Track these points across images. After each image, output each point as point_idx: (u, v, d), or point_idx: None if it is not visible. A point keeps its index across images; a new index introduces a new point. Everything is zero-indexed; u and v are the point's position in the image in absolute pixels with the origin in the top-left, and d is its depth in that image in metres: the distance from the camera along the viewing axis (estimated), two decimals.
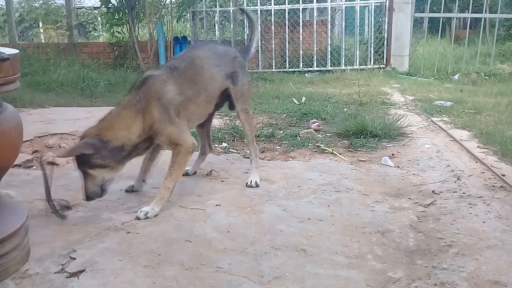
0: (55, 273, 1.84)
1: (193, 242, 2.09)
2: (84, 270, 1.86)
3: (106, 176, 2.33)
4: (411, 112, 4.97)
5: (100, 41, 11.30)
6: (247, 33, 8.89)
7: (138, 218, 2.33)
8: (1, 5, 11.03)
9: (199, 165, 3.06)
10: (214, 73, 2.64)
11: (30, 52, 8.16)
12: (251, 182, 2.80)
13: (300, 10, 8.57)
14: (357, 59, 8.55)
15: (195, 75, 2.55)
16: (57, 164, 3.21)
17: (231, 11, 8.84)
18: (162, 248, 2.03)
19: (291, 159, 3.38)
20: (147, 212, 2.35)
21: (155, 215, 2.36)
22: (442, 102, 5.48)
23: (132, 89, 2.48)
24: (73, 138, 3.80)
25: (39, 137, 3.81)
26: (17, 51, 1.86)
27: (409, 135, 3.95)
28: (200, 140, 3.06)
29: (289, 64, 8.60)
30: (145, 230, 2.20)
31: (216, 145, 3.67)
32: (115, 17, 8.36)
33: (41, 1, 11.41)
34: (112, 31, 8.66)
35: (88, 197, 2.35)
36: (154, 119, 2.37)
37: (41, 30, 12.20)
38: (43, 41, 11.24)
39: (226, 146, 3.68)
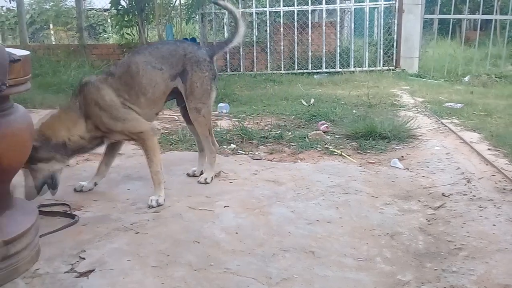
0: (64, 272, 1.85)
1: (202, 243, 2.10)
2: (94, 270, 1.87)
3: (52, 168, 2.47)
4: (421, 114, 4.94)
5: (110, 42, 11.38)
6: (256, 34, 8.90)
7: (152, 207, 2.48)
8: (13, 7, 11.13)
9: (202, 164, 3.05)
10: (154, 77, 2.66)
11: (40, 54, 8.23)
12: (202, 179, 2.88)
13: (309, 11, 8.55)
14: (366, 60, 8.52)
15: (130, 81, 2.62)
16: (68, 165, 3.23)
17: (240, 12, 8.86)
18: (170, 249, 2.03)
19: (299, 161, 3.37)
20: (157, 199, 2.52)
21: (162, 203, 2.52)
22: (452, 104, 5.44)
23: (72, 95, 2.64)
24: None
25: None
26: (28, 52, 1.88)
27: (418, 137, 3.92)
28: (195, 138, 3.10)
29: (298, 65, 8.59)
30: (154, 231, 2.21)
31: (225, 146, 3.68)
32: (125, 19, 8.40)
33: (51, 3, 11.51)
34: (121, 32, 8.71)
35: (32, 194, 2.44)
36: (97, 122, 2.53)
37: (52, 32, 12.31)
38: (53, 43, 11.34)
39: (234, 148, 3.69)
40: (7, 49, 1.71)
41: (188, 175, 3.03)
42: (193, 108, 2.79)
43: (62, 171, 2.58)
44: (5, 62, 1.64)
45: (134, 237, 2.15)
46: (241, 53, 8.67)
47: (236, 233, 2.20)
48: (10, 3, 10.70)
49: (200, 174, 3.00)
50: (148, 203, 2.50)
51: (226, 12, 8.83)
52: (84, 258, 1.95)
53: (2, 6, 12.01)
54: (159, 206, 2.50)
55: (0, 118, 1.73)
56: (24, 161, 1.94)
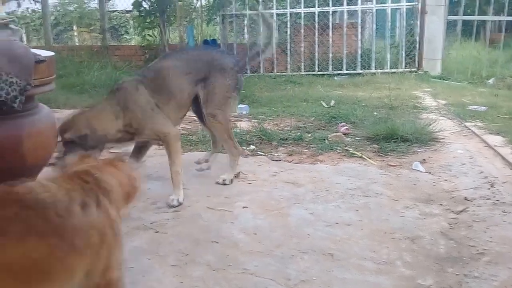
0: None
1: (220, 243, 2.10)
2: None
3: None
4: (444, 116, 4.86)
5: (132, 44, 11.51)
6: (276, 36, 8.87)
7: (172, 206, 2.53)
8: (38, 9, 11.37)
9: (214, 159, 3.20)
10: (181, 82, 2.77)
11: (64, 55, 8.36)
12: (220, 180, 2.89)
13: (330, 13, 8.51)
14: (388, 62, 8.42)
15: (161, 84, 2.72)
16: None
17: (260, 14, 8.86)
18: (189, 248, 2.05)
19: (319, 163, 3.36)
20: (177, 199, 2.57)
21: (180, 203, 2.56)
22: (475, 106, 5.33)
23: (110, 93, 2.72)
24: None
25: None
26: (53, 53, 1.92)
27: (441, 140, 3.86)
28: (209, 134, 3.23)
29: (318, 67, 8.54)
30: (174, 230, 2.23)
31: (244, 147, 3.68)
32: (147, 21, 8.50)
33: (75, 5, 11.72)
34: (143, 34, 8.80)
35: None
36: (132, 120, 2.62)
37: (75, 33, 12.53)
38: (77, 44, 11.54)
39: (254, 149, 3.69)
40: (32, 50, 1.74)
41: (195, 161, 3.19)
42: (208, 113, 2.86)
43: None
44: (31, 63, 1.68)
45: (154, 236, 2.18)
46: (261, 55, 8.66)
47: (255, 234, 2.20)
48: (35, 4, 10.96)
49: (205, 162, 3.13)
50: (168, 203, 2.54)
51: (247, 14, 8.87)
52: None
53: (27, 8, 12.28)
54: (179, 205, 2.55)
55: (25, 117, 1.77)
56: (48, 159, 1.98)
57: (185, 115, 3.00)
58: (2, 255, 1.10)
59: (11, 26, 1.78)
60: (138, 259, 1.95)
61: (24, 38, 10.98)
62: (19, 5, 11.72)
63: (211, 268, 1.88)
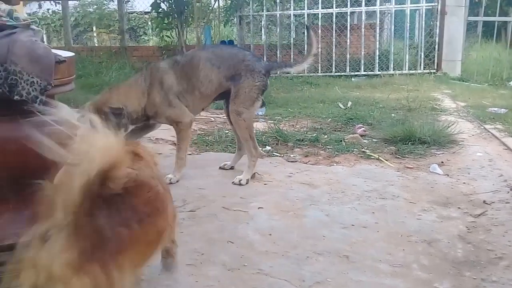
0: None
1: (235, 244, 2.11)
2: None
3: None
4: (463, 118, 4.79)
5: (150, 44, 11.62)
6: (293, 36, 8.87)
7: (171, 183, 2.79)
8: (58, 10, 11.55)
9: (236, 161, 3.21)
10: (210, 73, 2.87)
11: (84, 55, 8.49)
12: (237, 181, 2.91)
13: (348, 13, 8.47)
14: (406, 63, 8.33)
15: (190, 72, 2.85)
16: None
17: (278, 15, 8.86)
18: (205, 248, 2.06)
19: (335, 164, 3.34)
20: (171, 178, 2.83)
21: (177, 181, 2.86)
22: (496, 109, 5.24)
23: (136, 74, 2.88)
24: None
25: None
26: (73, 54, 1.95)
27: (459, 143, 3.81)
28: (235, 136, 3.22)
29: (335, 68, 8.50)
30: (189, 230, 2.24)
31: (260, 148, 3.68)
32: (165, 22, 8.56)
33: (95, 6, 11.87)
34: (161, 35, 8.88)
35: None
36: (155, 101, 2.78)
37: (95, 34, 12.69)
38: (96, 45, 11.68)
39: (269, 150, 3.69)
40: (53, 51, 1.77)
41: (220, 167, 3.20)
42: (234, 110, 2.92)
43: None
44: (52, 63, 1.71)
45: None
46: (278, 55, 8.67)
47: (270, 234, 2.20)
48: (56, 6, 11.14)
49: (230, 168, 3.16)
50: (168, 178, 2.79)
51: (264, 15, 8.87)
52: None
53: (48, 9, 12.50)
54: (176, 182, 2.84)
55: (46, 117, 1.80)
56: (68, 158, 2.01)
57: (206, 106, 3.19)
58: (155, 227, 1.27)
59: (33, 27, 1.81)
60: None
61: (45, 39, 11.16)
62: (40, 6, 11.96)
63: (226, 268, 1.89)
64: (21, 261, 1.10)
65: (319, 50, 8.51)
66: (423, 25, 8.27)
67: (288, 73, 8.51)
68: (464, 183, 2.92)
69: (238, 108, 2.90)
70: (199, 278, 1.82)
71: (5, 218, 1.77)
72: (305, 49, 8.50)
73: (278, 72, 3.03)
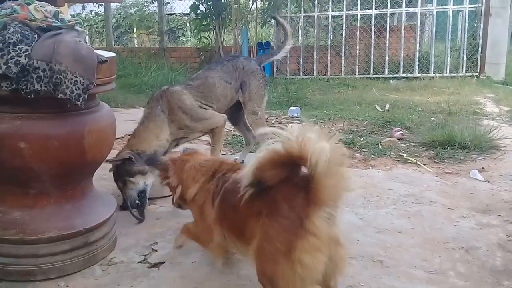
0: (138, 262, 1.96)
1: None
2: (164, 262, 1.96)
3: (147, 181, 2.55)
4: (506, 123, 4.62)
5: (188, 46, 11.78)
6: (331, 38, 8.80)
7: None
8: (100, 12, 11.89)
9: (245, 155, 3.37)
10: (226, 91, 2.98)
11: (124, 56, 8.70)
12: None
13: (388, 15, 8.32)
14: (448, 66, 8.10)
15: (207, 91, 2.89)
16: None
17: (316, 16, 8.81)
18: None
19: (371, 168, 3.30)
20: None
21: None
22: None
23: (150, 102, 2.75)
24: None
25: (129, 135, 4.03)
26: (114, 54, 2.01)
27: (502, 148, 3.67)
28: (242, 134, 3.48)
29: (373, 70, 8.36)
30: None
31: None
32: (203, 23, 8.67)
33: (136, 8, 12.15)
34: (199, 36, 9.00)
35: (130, 206, 2.46)
36: (181, 125, 2.73)
37: (135, 35, 12.99)
38: (136, 46, 11.95)
39: None
40: (96, 51, 1.83)
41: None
42: (251, 112, 3.09)
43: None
44: (94, 63, 1.77)
45: None
46: (315, 57, 8.61)
47: None
48: (99, 7, 11.47)
49: (241, 162, 3.21)
50: None
51: (302, 16, 8.84)
52: (156, 250, 2.05)
53: (91, 11, 12.88)
54: None
55: (87, 114, 1.86)
56: (106, 155, 2.07)
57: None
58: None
59: (77, 28, 1.88)
60: (187, 254, 2.00)
61: (88, 40, 11.52)
62: (83, 8, 12.34)
63: None
64: None
65: (357, 51, 8.42)
66: (466, 26, 8.02)
67: (324, 74, 8.48)
68: (505, 190, 2.82)
69: (253, 109, 3.08)
70: (230, 277, 1.84)
71: (46, 211, 1.85)
72: (343, 50, 8.44)
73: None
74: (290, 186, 1.42)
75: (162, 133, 2.66)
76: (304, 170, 1.41)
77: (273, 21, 9.17)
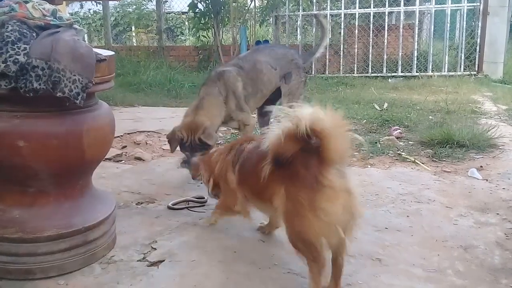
0: (137, 261, 1.96)
1: (266, 242, 2.12)
2: (164, 260, 1.96)
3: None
4: (504, 122, 4.63)
5: (187, 44, 11.77)
6: (329, 37, 8.78)
7: None
8: (99, 10, 11.87)
9: None
10: (271, 76, 3.01)
11: (123, 54, 8.68)
12: None
13: (386, 13, 8.32)
14: (446, 65, 8.11)
15: (255, 77, 2.95)
16: (143, 160, 3.41)
17: (314, 15, 8.79)
18: (236, 246, 2.08)
19: (369, 166, 3.30)
20: None
21: None
22: None
23: (208, 81, 2.87)
24: (159, 135, 4.01)
25: (128, 133, 4.07)
26: (113, 53, 2.00)
27: (500, 147, 3.68)
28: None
29: (371, 68, 8.37)
30: (221, 227, 2.27)
31: None
32: (201, 22, 8.67)
33: (134, 7, 12.13)
34: (198, 35, 8.99)
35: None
36: (231, 109, 2.85)
37: (133, 34, 12.98)
38: (134, 44, 11.94)
39: None
40: (94, 49, 1.83)
41: None
42: (290, 106, 3.07)
43: None
44: (93, 62, 1.76)
45: (202, 232, 2.23)
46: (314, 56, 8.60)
47: None
48: (97, 6, 11.45)
49: None
50: None
51: (300, 15, 8.84)
52: (155, 249, 2.05)
53: (89, 9, 12.86)
54: None
55: (86, 113, 1.86)
56: (105, 154, 2.07)
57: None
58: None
59: (75, 26, 1.88)
60: (186, 253, 2.01)
61: (86, 38, 11.49)
62: (81, 6, 12.32)
63: (257, 266, 1.90)
64: None
65: (355, 50, 8.42)
66: (464, 25, 8.04)
67: (322, 73, 8.48)
68: (503, 188, 2.83)
69: (292, 103, 3.07)
70: (230, 275, 1.84)
71: (46, 210, 1.85)
72: (341, 49, 8.44)
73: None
74: (304, 153, 1.62)
75: (222, 112, 2.81)
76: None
77: (271, 19, 9.18)
